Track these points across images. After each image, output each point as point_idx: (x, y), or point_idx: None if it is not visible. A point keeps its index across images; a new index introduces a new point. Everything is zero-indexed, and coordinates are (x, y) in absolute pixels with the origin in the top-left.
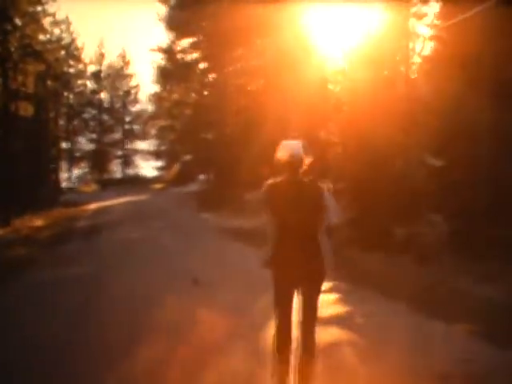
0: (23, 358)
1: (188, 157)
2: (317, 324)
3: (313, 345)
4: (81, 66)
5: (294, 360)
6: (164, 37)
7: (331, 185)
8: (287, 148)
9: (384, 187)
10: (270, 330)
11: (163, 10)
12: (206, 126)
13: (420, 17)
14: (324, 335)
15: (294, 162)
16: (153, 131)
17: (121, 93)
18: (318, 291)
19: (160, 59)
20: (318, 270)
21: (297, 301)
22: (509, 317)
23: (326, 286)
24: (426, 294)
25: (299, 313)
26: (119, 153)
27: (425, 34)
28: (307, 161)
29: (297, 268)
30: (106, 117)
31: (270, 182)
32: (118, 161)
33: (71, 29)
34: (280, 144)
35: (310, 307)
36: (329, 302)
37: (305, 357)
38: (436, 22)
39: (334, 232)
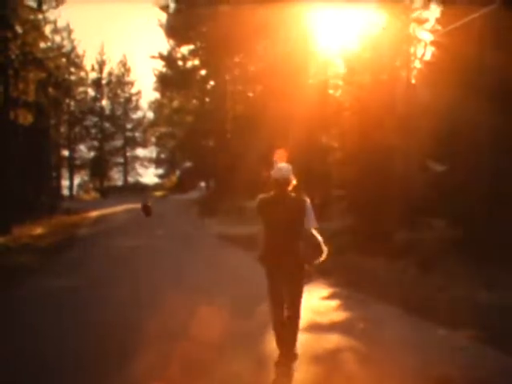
0: (22, 364)
1: (188, 164)
2: (300, 316)
3: (297, 317)
4: (82, 74)
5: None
6: (164, 43)
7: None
8: (279, 170)
9: (384, 192)
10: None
11: (163, 16)
12: (206, 133)
13: (421, 22)
14: (325, 341)
15: (282, 182)
16: (153, 138)
17: (122, 100)
18: (300, 281)
19: (160, 66)
20: (299, 264)
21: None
22: (511, 322)
23: (326, 291)
24: (427, 299)
25: (286, 298)
26: (120, 160)
27: (425, 39)
28: (294, 181)
29: (282, 263)
30: (107, 124)
31: (262, 196)
32: (119, 168)
33: (72, 36)
34: (274, 165)
35: (294, 294)
36: (329, 308)
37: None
38: (437, 27)
39: (312, 234)
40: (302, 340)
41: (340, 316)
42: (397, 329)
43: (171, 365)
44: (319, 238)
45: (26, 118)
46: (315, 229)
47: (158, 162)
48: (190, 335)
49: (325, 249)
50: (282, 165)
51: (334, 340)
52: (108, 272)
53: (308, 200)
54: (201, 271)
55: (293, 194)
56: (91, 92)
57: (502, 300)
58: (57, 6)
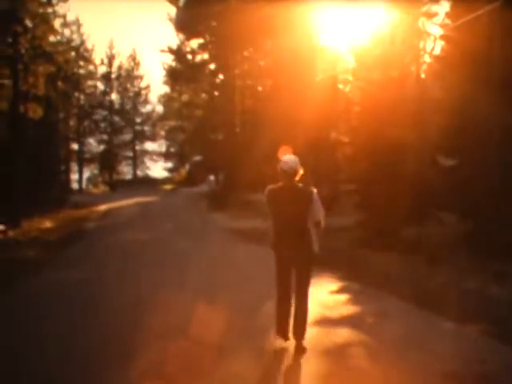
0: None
1: (197, 158)
2: (309, 299)
3: (306, 301)
4: (91, 67)
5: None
6: (174, 37)
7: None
8: (286, 162)
9: (394, 187)
10: None
11: (173, 10)
12: (215, 126)
13: (430, 16)
14: (335, 336)
15: (290, 173)
16: (162, 132)
17: (131, 94)
18: (308, 268)
19: (170, 60)
20: (307, 252)
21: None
22: None
23: (337, 286)
24: (436, 293)
25: (294, 286)
26: (129, 154)
27: (435, 33)
28: (300, 172)
29: (292, 250)
30: (116, 118)
31: (270, 186)
32: (128, 162)
33: (81, 30)
34: (281, 158)
35: (302, 281)
36: (340, 303)
37: (299, 312)
38: (446, 21)
39: (319, 225)
40: (312, 334)
41: (349, 310)
42: (406, 323)
43: (171, 363)
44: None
45: (35, 111)
46: (323, 217)
47: (167, 156)
48: (194, 334)
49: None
50: (289, 156)
51: (343, 334)
52: (116, 266)
53: (315, 190)
54: (210, 267)
55: (300, 185)
56: (100, 86)
57: (511, 294)
58: None
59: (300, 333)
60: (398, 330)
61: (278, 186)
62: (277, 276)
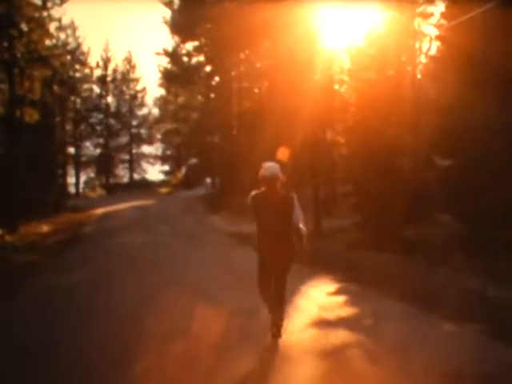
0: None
1: (194, 160)
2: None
3: (283, 300)
4: (87, 71)
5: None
6: (169, 40)
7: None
8: (267, 168)
9: (392, 188)
10: None
11: (168, 13)
12: (212, 129)
13: (426, 16)
14: (333, 337)
15: (271, 179)
16: (159, 135)
17: (127, 97)
18: (287, 268)
19: (165, 62)
20: (288, 253)
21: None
22: None
23: (334, 287)
24: (435, 294)
25: (273, 286)
26: (126, 157)
27: (431, 33)
28: (282, 178)
29: (274, 252)
30: (112, 121)
31: (254, 192)
32: (125, 165)
33: (77, 33)
34: (263, 165)
35: (280, 280)
36: (337, 304)
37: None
38: (442, 21)
39: (299, 231)
40: (310, 335)
41: (347, 311)
42: (405, 324)
43: (172, 364)
44: (304, 230)
45: (31, 116)
46: (302, 221)
47: (163, 159)
48: (194, 334)
49: (306, 241)
50: (270, 163)
51: (341, 336)
52: (114, 270)
53: (295, 196)
54: (207, 270)
55: (282, 191)
56: (96, 89)
57: (509, 294)
58: (61, 3)
59: (279, 321)
60: (397, 331)
61: (261, 191)
62: (259, 275)
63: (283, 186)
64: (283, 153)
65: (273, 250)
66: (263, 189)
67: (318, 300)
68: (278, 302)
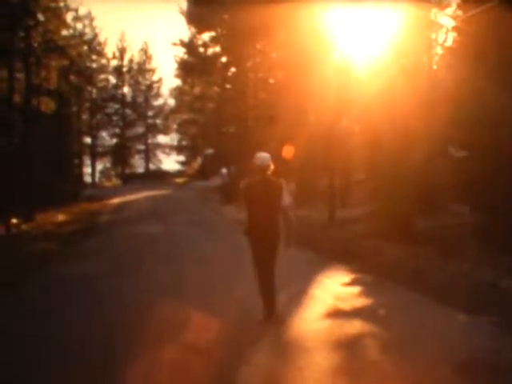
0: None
1: (210, 151)
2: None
3: (273, 280)
4: (103, 61)
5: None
6: (185, 30)
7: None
8: (259, 158)
9: (406, 178)
10: None
11: (184, 3)
12: (228, 119)
13: (442, 7)
14: (348, 327)
15: (262, 167)
16: (174, 125)
17: (143, 87)
18: (275, 250)
19: (181, 53)
20: (277, 237)
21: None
22: None
23: (349, 278)
24: (449, 286)
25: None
26: (141, 147)
27: (447, 24)
28: (272, 166)
29: (264, 235)
30: (128, 111)
31: (246, 180)
32: (141, 155)
33: (93, 24)
34: (255, 155)
35: (271, 262)
36: (352, 295)
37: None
38: (458, 12)
39: (288, 210)
40: (325, 326)
41: (362, 302)
42: (419, 315)
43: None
44: (291, 216)
45: (47, 105)
46: (290, 206)
47: (179, 149)
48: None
49: (294, 224)
50: (262, 154)
51: (356, 326)
52: (129, 259)
53: (284, 182)
54: (223, 261)
55: (272, 178)
56: (112, 79)
57: None
58: None
59: (270, 305)
60: (411, 321)
61: (254, 179)
62: (254, 260)
63: (274, 173)
64: (289, 149)
65: (263, 234)
66: (255, 177)
67: (333, 290)
68: (268, 281)
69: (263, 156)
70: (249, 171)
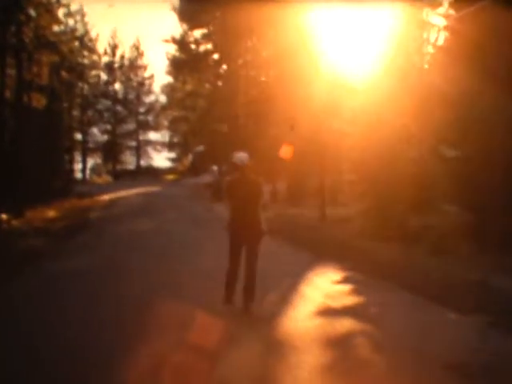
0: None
1: (201, 148)
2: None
3: (255, 271)
4: (95, 57)
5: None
6: (177, 27)
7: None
8: (238, 157)
9: (398, 178)
10: None
11: (176, 0)
12: (219, 117)
13: (434, 6)
14: (338, 325)
15: (241, 166)
16: (166, 122)
17: (134, 84)
18: (256, 245)
19: (173, 50)
20: (257, 232)
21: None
22: None
23: (340, 276)
24: (440, 284)
25: (244, 261)
26: (132, 144)
27: (439, 24)
28: (250, 165)
29: (244, 230)
30: (119, 108)
31: (228, 178)
32: (132, 152)
33: (85, 20)
34: (234, 154)
35: (252, 256)
36: (343, 293)
37: (249, 280)
38: (450, 11)
39: (267, 206)
40: (315, 324)
41: (353, 300)
42: (410, 313)
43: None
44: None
45: (39, 101)
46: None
47: (170, 146)
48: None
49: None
50: (240, 153)
51: (346, 324)
52: (119, 256)
53: (263, 181)
54: (213, 256)
55: (251, 176)
56: (104, 76)
57: None
58: None
59: (250, 298)
60: (402, 320)
61: (235, 177)
62: (230, 252)
63: (253, 171)
64: (282, 148)
65: (243, 229)
66: (235, 175)
67: (323, 288)
68: (250, 275)
69: (241, 155)
70: (231, 169)
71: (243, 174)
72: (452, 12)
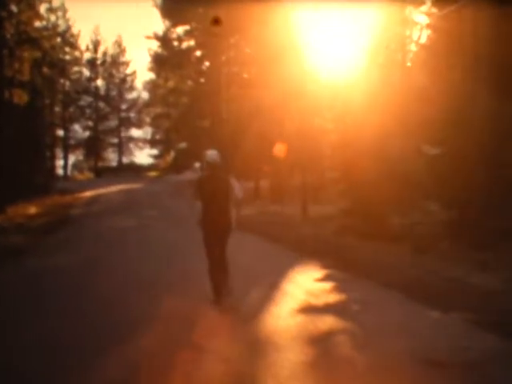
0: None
1: (183, 145)
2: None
3: (226, 264)
4: (77, 53)
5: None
6: (160, 24)
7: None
8: (208, 155)
9: (379, 176)
10: None
11: None
12: (202, 113)
13: (417, 4)
14: (320, 323)
15: (212, 164)
16: (148, 119)
17: (117, 80)
18: (226, 237)
19: (155, 46)
20: (227, 226)
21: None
22: (505, 305)
23: (322, 274)
24: (421, 282)
25: (216, 252)
26: (115, 140)
27: (421, 21)
28: (220, 163)
29: (215, 225)
30: (101, 104)
31: (198, 175)
32: (114, 148)
33: (67, 15)
34: (205, 152)
35: (222, 245)
36: (325, 290)
37: (222, 273)
38: (433, 9)
39: (241, 202)
40: (296, 321)
41: (334, 298)
42: (391, 311)
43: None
44: (240, 200)
45: (20, 97)
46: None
47: (152, 143)
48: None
49: (238, 209)
50: (210, 151)
51: (328, 322)
52: (101, 252)
53: (232, 178)
54: (195, 250)
55: (221, 174)
56: (86, 72)
57: (495, 283)
58: None
59: (224, 291)
60: (383, 317)
61: (205, 175)
62: (205, 246)
63: (223, 169)
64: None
65: (214, 221)
66: (206, 172)
67: (305, 286)
68: (221, 265)
69: (212, 153)
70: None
71: (213, 172)
72: (435, 10)
